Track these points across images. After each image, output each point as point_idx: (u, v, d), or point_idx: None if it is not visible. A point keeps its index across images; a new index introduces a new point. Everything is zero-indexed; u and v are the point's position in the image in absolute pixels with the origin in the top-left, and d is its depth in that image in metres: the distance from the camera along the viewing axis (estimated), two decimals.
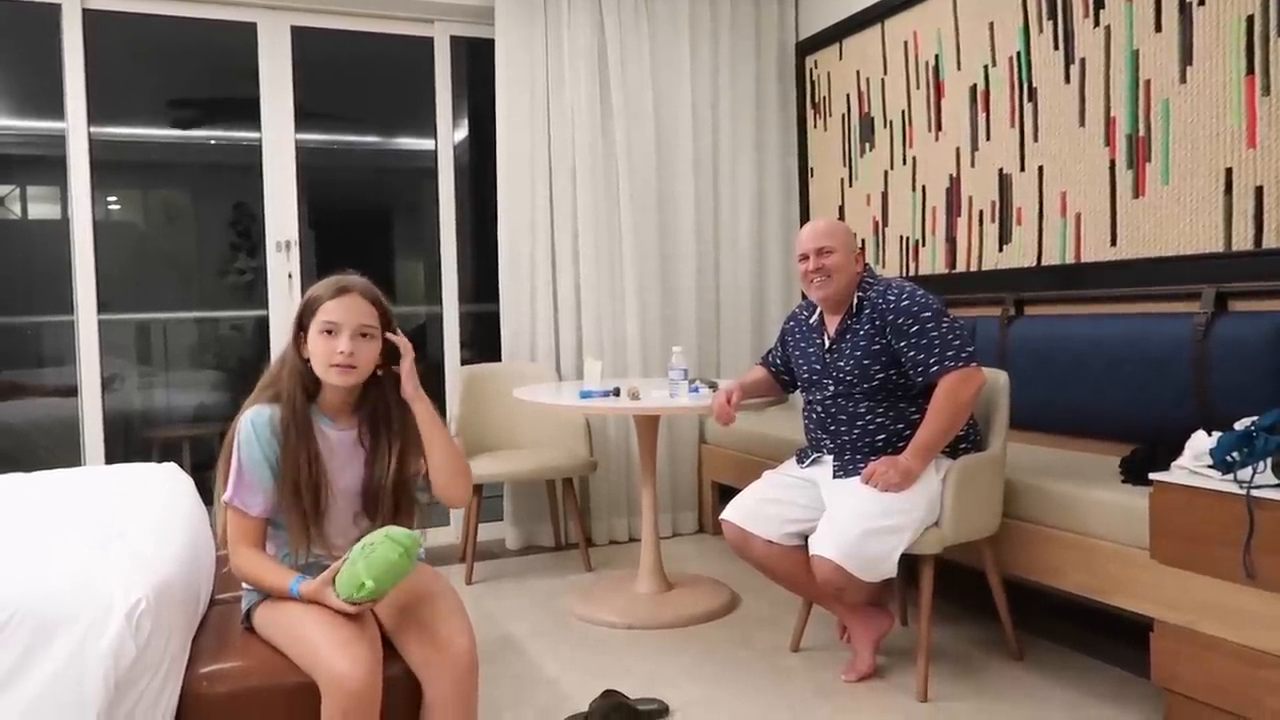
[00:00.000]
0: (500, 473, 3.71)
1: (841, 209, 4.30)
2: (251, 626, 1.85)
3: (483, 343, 4.58)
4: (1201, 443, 2.28)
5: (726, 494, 4.25)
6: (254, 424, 1.82)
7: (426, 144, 4.45)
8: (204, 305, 5.00)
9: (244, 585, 1.89)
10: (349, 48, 4.37)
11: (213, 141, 4.93)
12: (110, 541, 1.87)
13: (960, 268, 3.65)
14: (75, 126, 3.70)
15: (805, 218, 4.54)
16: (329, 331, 1.80)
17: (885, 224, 4.04)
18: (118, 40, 3.96)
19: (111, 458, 3.82)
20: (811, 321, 2.82)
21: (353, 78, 4.92)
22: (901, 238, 3.95)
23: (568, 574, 3.80)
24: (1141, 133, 2.92)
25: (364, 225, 5.63)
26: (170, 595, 1.69)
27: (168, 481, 2.57)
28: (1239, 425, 2.21)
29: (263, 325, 4.16)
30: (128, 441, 4.63)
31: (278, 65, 4.00)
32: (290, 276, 4.06)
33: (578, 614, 3.27)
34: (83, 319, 3.74)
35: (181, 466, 2.85)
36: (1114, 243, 3.03)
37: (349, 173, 5.45)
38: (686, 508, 4.45)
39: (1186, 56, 2.78)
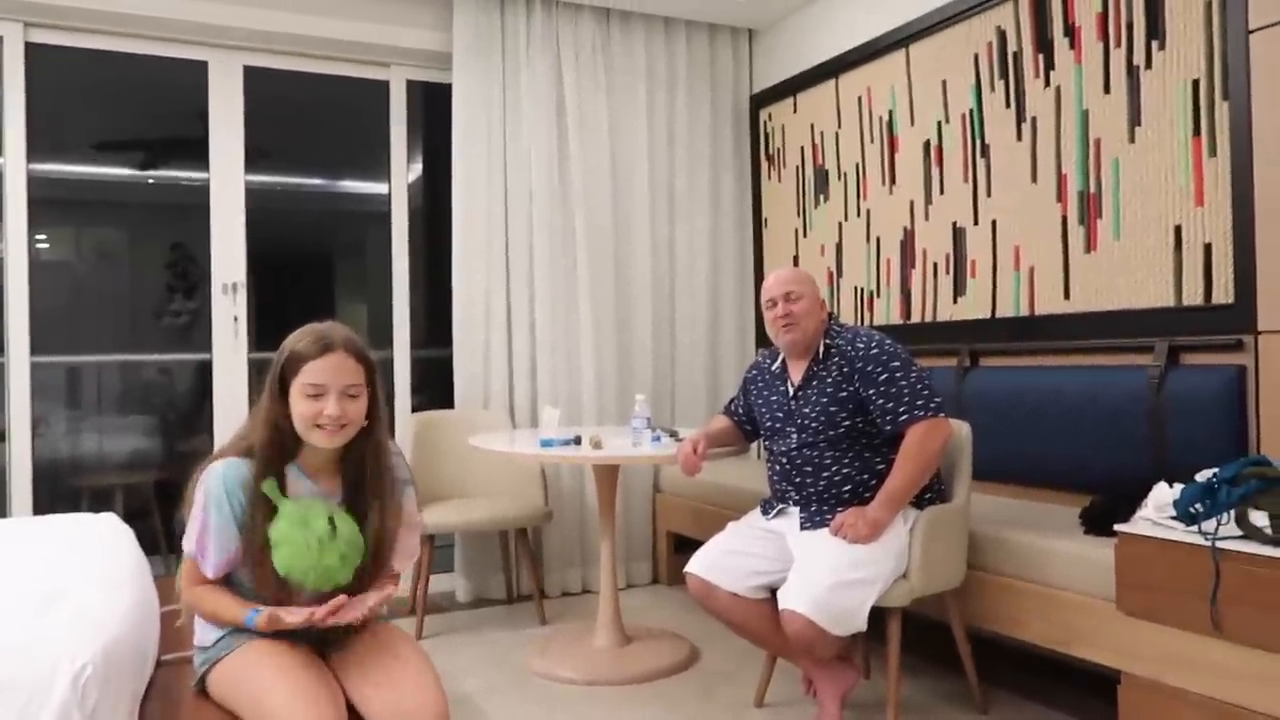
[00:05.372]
0: (454, 523, 3.61)
1: (796, 259, 4.34)
2: (205, 690, 1.74)
3: (431, 388, 4.49)
4: (1164, 494, 2.31)
5: (682, 544, 4.21)
6: (225, 480, 1.72)
7: (371, 187, 4.39)
8: (137, 348, 4.83)
9: (196, 644, 1.79)
10: (294, 89, 4.30)
11: (150, 181, 4.80)
12: (51, 599, 1.75)
13: (915, 318, 3.69)
14: (13, 162, 3.56)
15: (759, 267, 4.57)
16: (315, 395, 1.73)
17: (840, 274, 4.09)
18: (57, 75, 3.84)
19: (39, 507, 3.63)
20: (774, 369, 2.81)
21: (297, 119, 4.85)
22: (856, 288, 4.00)
23: (522, 627, 3.69)
24: (1093, 189, 3.00)
25: (304, 268, 5.51)
26: (118, 658, 1.58)
27: (107, 533, 2.44)
28: (1200, 477, 2.24)
29: (203, 369, 4.02)
30: (55, 489, 4.41)
31: (228, 105, 3.92)
32: (236, 319, 3.94)
33: (535, 670, 3.17)
34: (13, 361, 3.57)
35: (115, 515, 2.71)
36: (1067, 295, 3.09)
37: (290, 215, 5.34)
38: (641, 558, 4.38)
39: (1135, 117, 2.87)
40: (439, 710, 1.65)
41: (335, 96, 4.44)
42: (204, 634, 1.78)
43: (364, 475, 1.82)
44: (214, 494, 1.72)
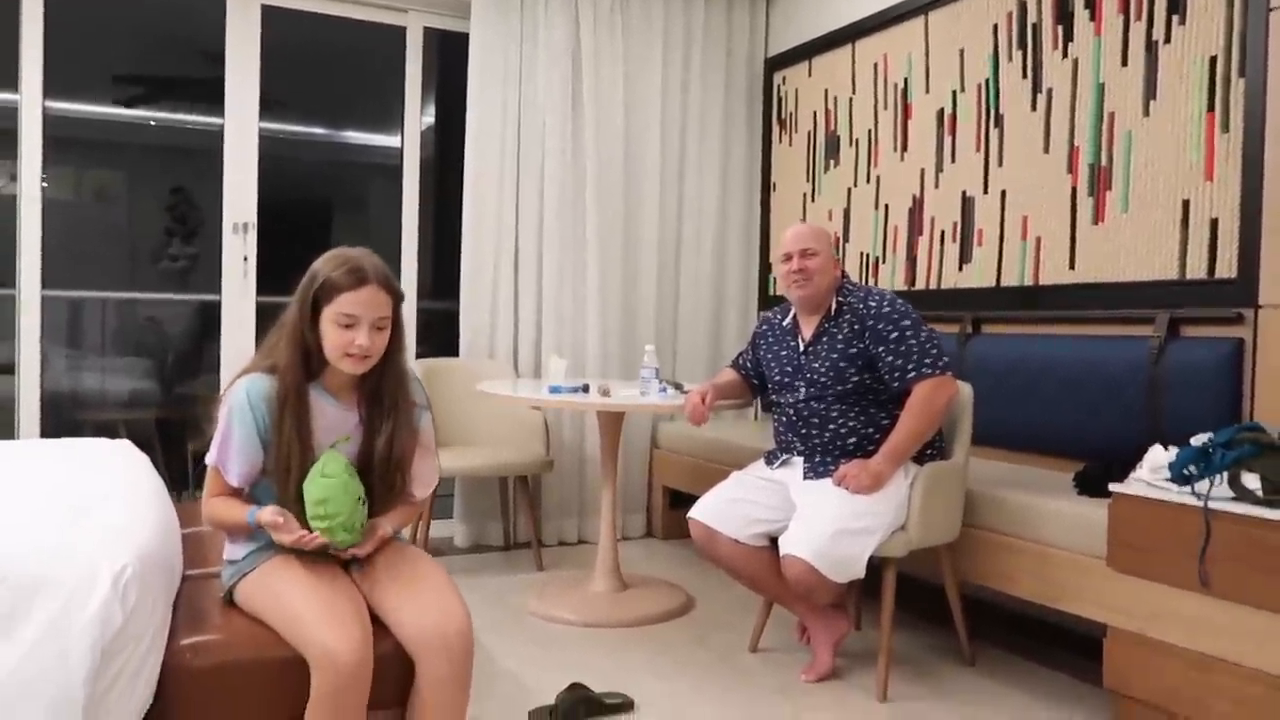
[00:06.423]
0: (456, 468, 3.66)
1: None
2: (233, 601, 1.80)
3: (436, 339, 4.53)
4: (1159, 456, 2.38)
5: (677, 499, 4.28)
6: (249, 394, 1.78)
7: (377, 139, 4.37)
8: (135, 289, 4.83)
9: (226, 558, 1.85)
10: (304, 34, 4.28)
11: (152, 123, 4.79)
12: (80, 511, 1.81)
13: (920, 285, 3.74)
14: (30, 99, 3.57)
15: (766, 229, 4.61)
16: (347, 325, 1.77)
17: (846, 240, 4.13)
18: (70, 12, 3.82)
19: (45, 438, 3.67)
20: (785, 324, 2.86)
21: (308, 65, 4.83)
22: (862, 254, 4.04)
23: (519, 572, 3.77)
24: (1104, 162, 3.05)
25: (305, 217, 5.51)
26: (152, 563, 1.63)
27: (124, 457, 2.49)
28: (1195, 440, 2.31)
29: (204, 311, 4.04)
30: (59, 422, 4.45)
31: (245, 45, 3.91)
32: (245, 259, 3.96)
33: (533, 611, 3.24)
34: (25, 294, 3.59)
35: None
36: (1072, 266, 3.15)
37: (295, 163, 5.33)
38: (635, 511, 4.45)
39: (1150, 91, 2.91)
40: (463, 621, 1.71)
41: (347, 42, 4.43)
42: (233, 548, 1.84)
43: (382, 395, 1.87)
44: (238, 406, 1.78)
